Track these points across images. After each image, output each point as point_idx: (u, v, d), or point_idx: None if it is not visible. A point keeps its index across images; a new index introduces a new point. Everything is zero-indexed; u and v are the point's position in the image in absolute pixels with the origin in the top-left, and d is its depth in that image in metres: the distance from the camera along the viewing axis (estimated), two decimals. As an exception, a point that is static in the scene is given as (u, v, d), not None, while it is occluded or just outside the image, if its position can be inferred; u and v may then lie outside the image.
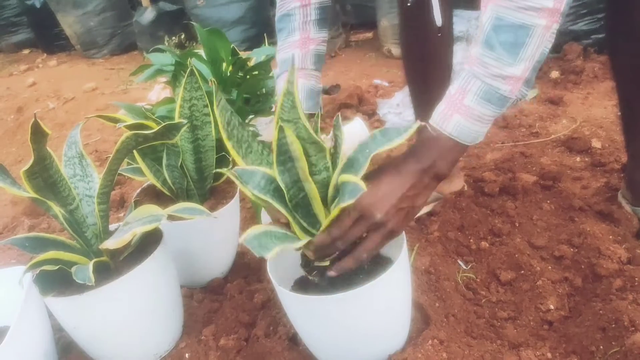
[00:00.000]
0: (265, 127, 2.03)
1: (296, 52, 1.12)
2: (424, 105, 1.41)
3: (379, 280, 0.85)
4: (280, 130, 0.82)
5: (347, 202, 0.79)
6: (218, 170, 1.20)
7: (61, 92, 3.10)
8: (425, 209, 1.39)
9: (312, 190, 0.87)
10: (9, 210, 1.89)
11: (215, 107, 0.87)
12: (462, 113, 0.85)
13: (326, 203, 0.90)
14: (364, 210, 0.86)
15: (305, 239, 0.87)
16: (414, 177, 0.88)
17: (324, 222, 0.87)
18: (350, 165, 0.88)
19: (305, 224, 0.89)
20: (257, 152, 0.91)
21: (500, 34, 0.81)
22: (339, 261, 0.88)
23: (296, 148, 0.83)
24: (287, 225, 0.90)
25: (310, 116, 1.05)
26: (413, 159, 0.89)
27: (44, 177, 0.90)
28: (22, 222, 1.77)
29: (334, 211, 0.83)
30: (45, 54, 4.34)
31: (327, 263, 0.85)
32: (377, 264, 0.94)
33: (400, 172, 0.89)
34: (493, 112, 0.85)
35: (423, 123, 0.84)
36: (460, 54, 1.57)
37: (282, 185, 0.86)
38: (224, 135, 0.87)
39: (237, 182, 0.87)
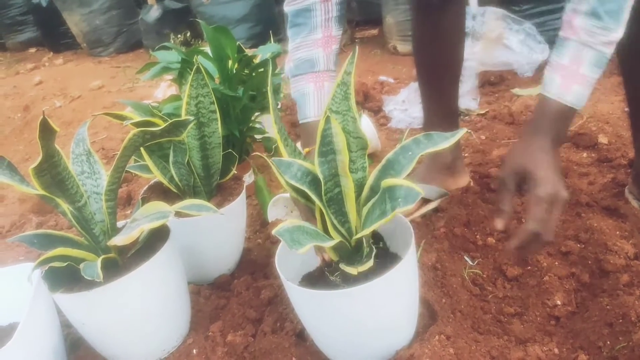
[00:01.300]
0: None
1: (321, 53, 1.09)
2: (435, 100, 1.41)
3: (387, 276, 0.85)
4: (327, 120, 0.82)
5: (402, 207, 0.78)
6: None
7: (67, 91, 3.11)
8: (431, 205, 1.40)
9: (348, 187, 0.88)
10: (16, 207, 1.90)
11: (268, 88, 0.88)
12: (580, 82, 0.93)
13: (358, 203, 0.90)
14: (553, 196, 0.92)
15: (337, 240, 0.87)
16: (554, 149, 0.97)
17: (371, 226, 0.84)
18: (390, 167, 0.89)
19: (335, 221, 0.90)
20: (292, 148, 0.92)
21: (605, 4, 0.89)
22: (534, 242, 0.93)
23: (340, 140, 0.83)
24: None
25: None
26: (544, 134, 0.97)
27: (52, 174, 0.90)
28: (30, 220, 1.78)
29: (390, 216, 0.80)
30: (51, 53, 4.36)
31: (355, 271, 0.85)
32: (385, 260, 0.94)
33: (545, 150, 0.96)
34: (600, 74, 0.93)
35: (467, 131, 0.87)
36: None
37: (320, 177, 0.86)
38: (272, 119, 0.88)
39: (275, 169, 0.88)
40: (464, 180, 1.48)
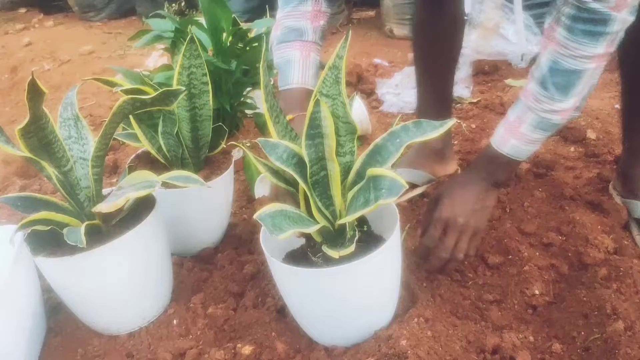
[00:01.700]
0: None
1: (308, 25, 1.09)
2: (430, 85, 1.41)
3: (370, 258, 0.86)
4: (317, 103, 0.82)
5: (386, 199, 0.79)
6: (233, 143, 1.18)
7: (57, 54, 3.05)
8: (417, 191, 1.40)
9: (335, 171, 0.87)
10: (0, 170, 1.87)
11: (261, 65, 0.87)
12: (518, 138, 1.01)
13: (343, 187, 0.91)
14: (448, 220, 1.04)
15: (320, 224, 0.87)
16: (479, 185, 1.07)
17: (354, 213, 0.84)
18: (377, 153, 0.89)
19: (319, 204, 0.89)
20: (283, 125, 0.92)
21: (554, 77, 0.94)
22: (440, 266, 1.07)
23: (328, 124, 0.83)
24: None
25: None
26: (476, 172, 1.10)
27: (39, 136, 0.89)
28: (13, 183, 1.76)
29: (374, 206, 0.80)
30: (42, 14, 4.26)
31: (336, 254, 0.85)
32: (370, 241, 0.95)
33: (468, 184, 1.08)
34: (544, 135, 1.01)
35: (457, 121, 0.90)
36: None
37: (306, 160, 0.86)
38: (263, 96, 0.87)
39: (252, 159, 0.89)
40: (452, 167, 1.49)
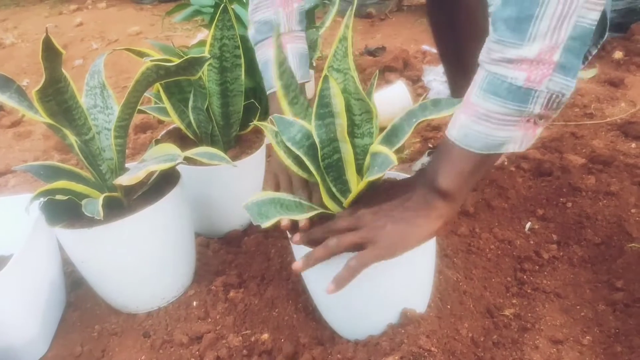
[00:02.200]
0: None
1: (280, 13, 1.00)
2: (460, 79, 1.31)
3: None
4: (325, 80, 0.76)
5: (375, 175, 0.74)
6: (255, 123, 1.13)
7: (106, 34, 3.08)
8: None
9: (348, 153, 0.81)
10: (40, 144, 1.89)
11: (273, 42, 0.81)
12: (467, 112, 0.70)
13: (363, 171, 0.84)
14: (356, 213, 0.79)
15: (314, 212, 0.82)
16: (413, 193, 0.77)
17: (352, 193, 0.81)
18: (394, 134, 0.83)
19: (334, 190, 0.84)
20: (303, 107, 0.86)
21: (505, 9, 0.64)
22: (310, 251, 0.79)
23: (338, 102, 0.77)
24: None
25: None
26: (421, 172, 0.80)
27: (58, 101, 0.85)
28: (52, 157, 1.77)
29: (360, 184, 0.78)
30: (95, -4, 4.34)
31: None
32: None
33: (402, 185, 0.83)
34: (507, 108, 0.66)
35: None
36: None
37: (317, 141, 0.81)
38: (275, 75, 0.81)
39: (268, 134, 0.83)
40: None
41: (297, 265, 0.79)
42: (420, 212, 0.75)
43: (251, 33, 1.04)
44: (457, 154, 0.72)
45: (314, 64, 1.81)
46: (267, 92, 1.03)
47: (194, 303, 1.05)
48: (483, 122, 0.69)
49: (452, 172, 0.73)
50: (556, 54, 0.63)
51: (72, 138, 0.92)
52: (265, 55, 1.01)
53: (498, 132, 0.68)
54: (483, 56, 0.69)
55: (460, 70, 1.24)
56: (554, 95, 0.66)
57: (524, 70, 0.64)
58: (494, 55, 0.66)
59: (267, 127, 0.85)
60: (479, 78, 0.69)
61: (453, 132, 0.72)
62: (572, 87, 0.66)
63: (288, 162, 0.84)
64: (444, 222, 0.76)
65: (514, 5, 0.63)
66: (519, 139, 0.69)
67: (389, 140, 0.83)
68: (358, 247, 0.75)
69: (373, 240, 0.74)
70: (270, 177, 0.96)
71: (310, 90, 1.88)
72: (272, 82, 0.99)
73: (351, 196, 0.82)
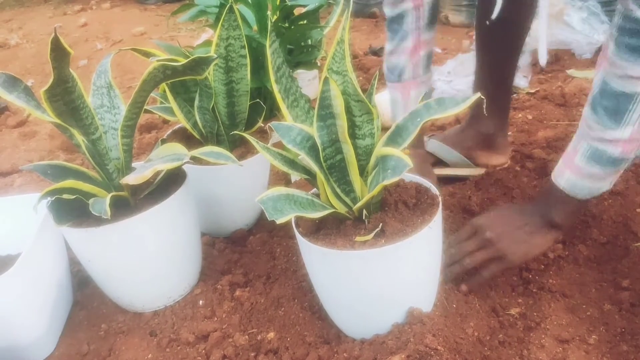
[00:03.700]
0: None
1: (407, 62, 1.12)
2: (488, 75, 1.32)
3: (406, 242, 0.79)
4: (325, 82, 0.77)
5: (390, 179, 0.75)
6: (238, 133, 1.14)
7: (110, 34, 3.09)
8: (448, 171, 1.35)
9: (350, 154, 0.82)
10: (46, 143, 1.89)
11: (267, 47, 0.81)
12: (573, 170, 0.89)
13: (365, 172, 0.84)
14: (479, 227, 0.96)
15: (327, 210, 0.82)
16: (530, 216, 0.95)
17: (364, 197, 0.81)
18: (398, 134, 0.83)
19: (339, 190, 0.84)
20: (303, 109, 0.87)
21: (604, 100, 0.81)
22: (447, 264, 0.96)
23: (339, 104, 0.77)
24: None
25: None
26: (533, 203, 1.00)
27: (66, 100, 0.86)
28: (57, 157, 1.78)
29: (376, 189, 0.78)
30: (99, -3, 4.35)
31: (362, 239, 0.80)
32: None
33: (519, 211, 0.99)
34: (604, 171, 0.86)
35: (481, 96, 0.77)
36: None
37: (319, 142, 0.81)
38: (272, 79, 0.82)
39: (253, 142, 0.85)
40: (501, 158, 1.39)
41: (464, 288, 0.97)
42: (537, 235, 0.95)
43: (385, 70, 1.19)
44: (564, 198, 0.92)
45: (318, 64, 1.82)
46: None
47: (200, 302, 1.05)
48: (587, 179, 0.88)
49: (563, 211, 0.94)
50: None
51: (80, 138, 0.92)
52: (393, 95, 1.19)
53: (597, 185, 0.89)
54: (583, 130, 0.86)
55: (495, 79, 1.32)
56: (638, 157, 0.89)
57: (620, 147, 0.83)
58: (594, 134, 0.84)
59: (252, 139, 0.86)
60: (582, 148, 0.87)
61: (561, 182, 0.92)
62: None
63: (280, 167, 0.85)
64: (553, 242, 0.98)
65: (613, 99, 0.80)
66: (612, 184, 0.90)
67: (393, 140, 0.83)
68: (487, 262, 0.95)
69: (501, 257, 0.94)
70: None
71: (314, 90, 1.88)
72: (397, 119, 1.04)
73: (365, 200, 0.81)
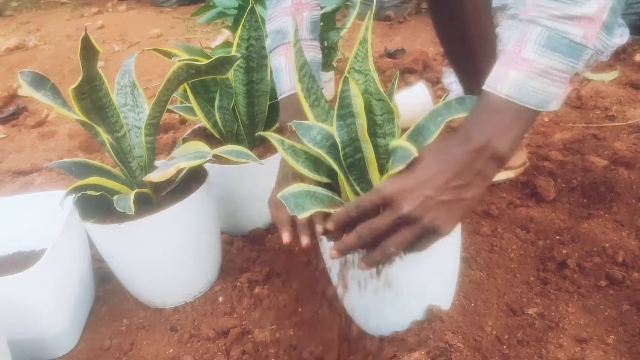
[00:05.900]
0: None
1: (289, 22, 1.00)
2: (474, 82, 1.30)
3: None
4: (345, 81, 0.78)
5: (396, 168, 0.74)
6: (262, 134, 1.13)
7: (127, 37, 3.13)
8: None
9: (369, 152, 0.83)
10: (65, 143, 1.92)
11: (292, 46, 0.82)
12: (521, 68, 0.68)
13: (385, 170, 0.85)
14: (388, 199, 0.72)
15: None
16: (461, 160, 0.71)
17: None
18: (419, 134, 0.84)
19: (358, 188, 0.85)
20: (324, 109, 0.88)
21: None
22: (367, 253, 0.77)
23: (358, 103, 0.78)
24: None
25: None
26: (461, 137, 0.72)
27: (93, 99, 0.88)
28: (76, 156, 1.80)
29: (384, 178, 0.79)
30: None
31: None
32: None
33: (443, 154, 0.73)
34: (564, 64, 0.67)
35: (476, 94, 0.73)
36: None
37: (338, 141, 0.82)
38: (296, 78, 0.83)
39: (274, 142, 0.83)
40: (518, 159, 1.38)
41: (362, 266, 0.78)
42: (472, 186, 0.73)
43: (268, 43, 1.06)
44: (512, 113, 0.70)
45: (335, 65, 1.83)
46: (279, 98, 1.03)
47: (220, 298, 1.07)
48: (541, 78, 0.68)
49: (510, 134, 0.71)
50: (605, 13, 0.66)
51: (105, 136, 0.94)
52: (275, 63, 1.02)
53: (552, 89, 0.69)
54: (535, 12, 0.68)
55: (473, 74, 1.22)
56: (595, 54, 0.68)
57: (582, 27, 0.66)
58: (554, 12, 0.67)
59: (272, 136, 0.86)
60: (534, 34, 0.68)
61: (504, 89, 0.70)
62: (608, 46, 0.70)
63: (298, 167, 0.85)
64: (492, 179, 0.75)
65: None
66: (561, 97, 0.70)
67: (414, 139, 0.84)
68: (415, 240, 0.75)
69: (431, 232, 0.73)
70: (284, 184, 0.93)
71: (331, 91, 1.90)
72: (281, 88, 1.01)
73: None
